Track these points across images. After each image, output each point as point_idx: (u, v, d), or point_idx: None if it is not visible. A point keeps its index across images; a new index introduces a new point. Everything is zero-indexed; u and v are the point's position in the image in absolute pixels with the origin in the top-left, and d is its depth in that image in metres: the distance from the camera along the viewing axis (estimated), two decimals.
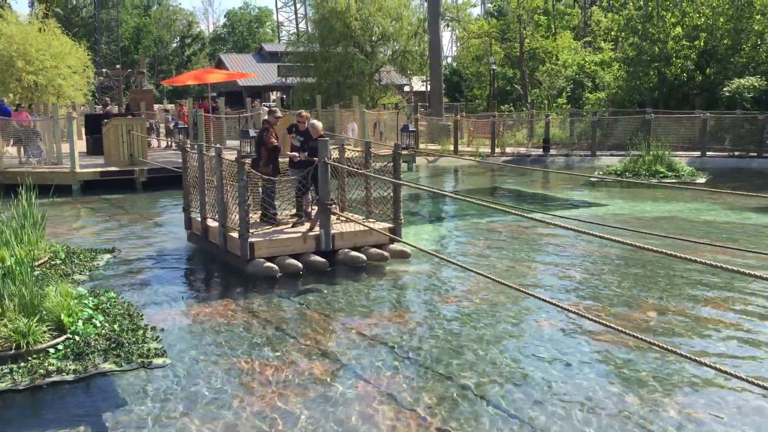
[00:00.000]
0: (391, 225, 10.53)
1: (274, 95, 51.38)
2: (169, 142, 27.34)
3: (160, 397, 5.77)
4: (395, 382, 6.04)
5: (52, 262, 9.97)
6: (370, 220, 10.84)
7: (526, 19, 43.17)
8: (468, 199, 9.47)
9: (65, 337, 6.65)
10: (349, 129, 26.11)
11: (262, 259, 9.45)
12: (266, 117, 11.12)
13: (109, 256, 10.88)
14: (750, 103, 26.22)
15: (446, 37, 67.39)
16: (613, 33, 36.84)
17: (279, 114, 11.01)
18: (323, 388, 5.94)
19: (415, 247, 9.71)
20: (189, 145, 11.94)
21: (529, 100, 39.72)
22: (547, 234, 12.49)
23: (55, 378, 6.05)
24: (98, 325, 7.08)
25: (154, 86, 64.61)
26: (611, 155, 25.39)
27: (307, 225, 10.35)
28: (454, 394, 5.77)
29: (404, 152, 10.66)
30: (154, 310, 8.08)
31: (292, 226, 10.46)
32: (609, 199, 17.06)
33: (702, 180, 19.43)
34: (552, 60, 41.66)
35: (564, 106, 36.97)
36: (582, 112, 31.90)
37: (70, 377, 6.08)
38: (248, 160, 9.78)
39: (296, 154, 10.54)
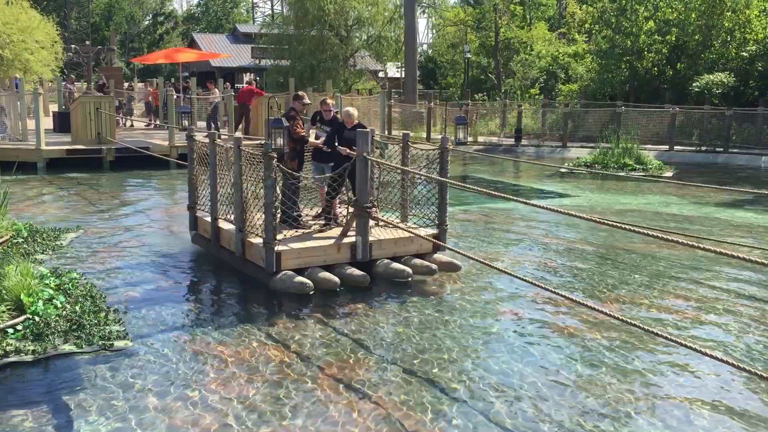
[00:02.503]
0: (435, 231, 9.01)
1: (247, 77, 50.82)
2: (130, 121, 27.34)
3: (119, 379, 5.71)
4: None
5: (14, 241, 9.77)
6: (411, 225, 9.24)
7: (502, 9, 43.20)
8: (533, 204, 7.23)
9: (24, 317, 6.54)
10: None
11: (290, 272, 7.95)
12: (292, 104, 9.61)
13: (73, 235, 10.70)
14: (718, 99, 26.61)
15: (422, 23, 67.18)
16: (587, 25, 37.10)
17: (306, 100, 9.50)
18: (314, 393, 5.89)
19: (467, 256, 7.99)
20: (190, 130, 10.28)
21: (502, 90, 39.87)
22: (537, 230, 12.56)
23: (13, 358, 5.95)
24: (59, 306, 6.97)
25: (124, 64, 63.49)
26: (581, 147, 25.61)
27: (336, 230, 8.87)
28: None
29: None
30: (119, 292, 7.98)
31: (320, 231, 8.93)
32: (578, 190, 17.23)
33: (669, 174, 19.71)
34: (526, 50, 41.80)
35: (537, 96, 37.16)
36: (554, 103, 32.11)
37: (28, 358, 5.99)
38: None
39: (320, 143, 9.25)
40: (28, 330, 6.40)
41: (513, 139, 28.23)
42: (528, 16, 47.34)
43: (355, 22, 42.53)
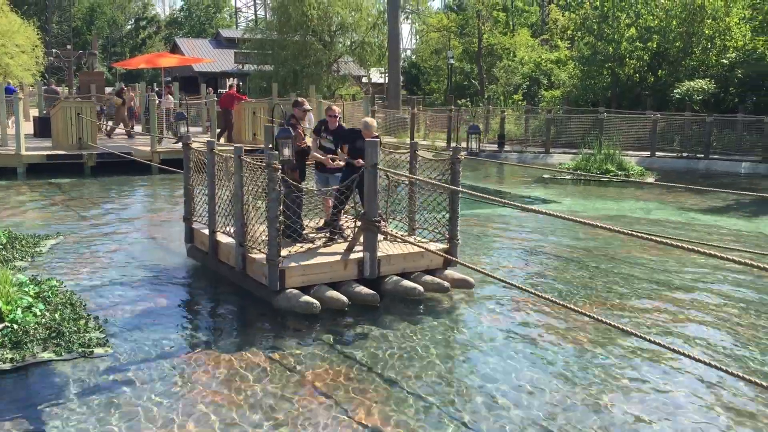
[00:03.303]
0: (445, 245, 8.58)
1: (230, 82, 50.65)
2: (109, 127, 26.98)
3: (99, 386, 5.63)
4: None
5: None
6: (418, 239, 8.76)
7: (485, 15, 43.40)
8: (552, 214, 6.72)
9: (3, 325, 6.43)
10: (306, 119, 25.87)
11: (296, 291, 7.53)
12: (293, 110, 8.97)
13: (54, 242, 10.57)
14: (699, 105, 26.86)
15: (405, 29, 67.33)
16: (569, 32, 37.34)
17: (307, 107, 8.94)
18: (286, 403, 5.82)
19: (482, 272, 7.66)
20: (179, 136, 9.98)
21: (485, 96, 40.01)
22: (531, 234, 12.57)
23: None
24: (38, 313, 6.87)
25: (106, 69, 63.04)
26: (564, 153, 25.73)
27: (341, 244, 8.38)
28: None
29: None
30: (100, 300, 7.88)
31: (324, 246, 8.42)
32: (561, 196, 17.30)
33: (651, 180, 19.85)
34: (509, 56, 42.00)
35: (520, 102, 37.32)
36: (537, 109, 32.25)
37: (7, 366, 5.89)
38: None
39: (327, 157, 8.66)
40: (6, 338, 6.29)
41: (496, 145, 28.31)
42: (511, 23, 47.60)
43: (339, 27, 42.58)
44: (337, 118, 8.84)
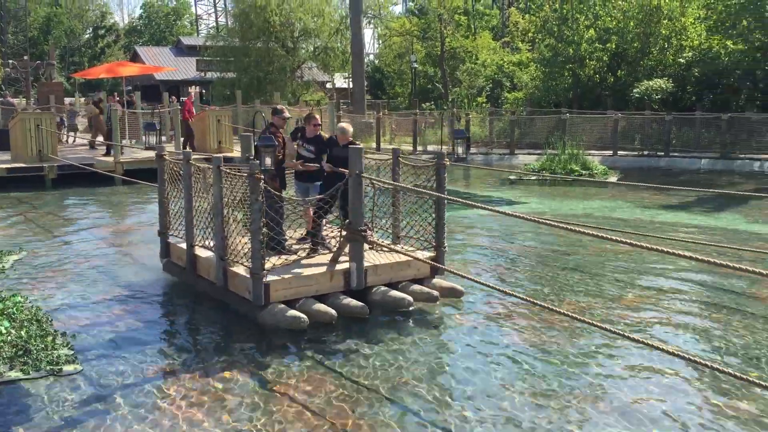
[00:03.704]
0: (432, 253, 8.34)
1: (192, 90, 50.18)
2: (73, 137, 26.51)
3: (69, 404, 5.52)
4: None
5: None
6: (405, 248, 8.49)
7: (447, 19, 43.69)
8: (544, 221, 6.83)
9: None
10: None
11: (281, 305, 7.24)
12: (271, 118, 8.74)
13: (16, 257, 10.34)
14: (658, 104, 27.39)
15: (368, 34, 67.46)
16: (530, 34, 37.80)
17: (287, 114, 8.68)
18: None
19: (471, 279, 7.63)
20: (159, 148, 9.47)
21: (450, 99, 40.27)
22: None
23: None
24: (3, 331, 6.71)
25: (64, 79, 61.95)
26: (529, 153, 26.01)
27: (325, 255, 8.08)
28: None
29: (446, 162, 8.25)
30: (67, 316, 7.72)
31: (307, 257, 8.15)
32: (527, 197, 17.48)
33: (614, 178, 20.16)
34: (472, 59, 42.34)
35: (484, 104, 37.65)
36: (501, 111, 32.57)
37: None
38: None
39: (304, 165, 8.40)
40: None
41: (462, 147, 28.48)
42: (472, 26, 48.00)
43: (302, 33, 42.50)
44: (318, 127, 8.59)
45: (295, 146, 8.63)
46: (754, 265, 8.72)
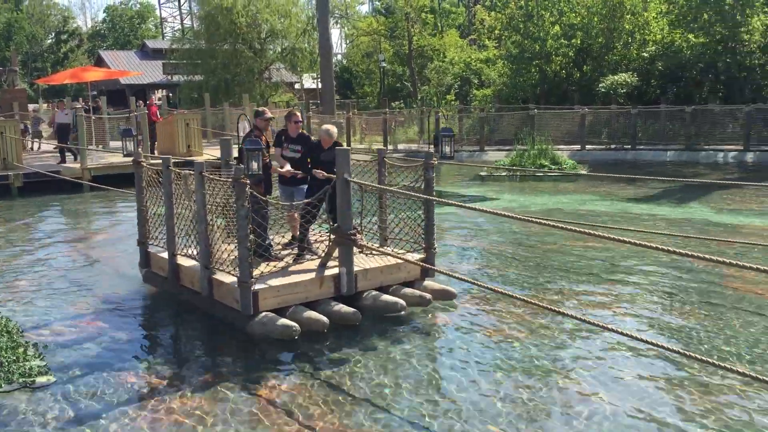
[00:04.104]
0: (422, 255, 8.12)
1: (159, 93, 49.67)
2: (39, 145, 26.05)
3: (42, 416, 5.45)
4: None
5: None
6: (395, 250, 8.28)
7: (414, 17, 43.81)
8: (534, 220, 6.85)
9: None
10: (240, 128, 25.57)
11: (271, 314, 6.98)
12: (255, 122, 8.41)
13: None
14: (623, 98, 27.79)
15: (336, 34, 67.39)
16: (496, 31, 38.03)
17: (269, 115, 8.40)
18: None
19: (463, 280, 7.48)
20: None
21: (419, 97, 40.39)
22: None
23: None
24: None
25: (28, 85, 60.88)
26: (498, 150, 26.21)
27: (312, 261, 7.86)
28: None
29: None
30: (40, 328, 7.58)
31: (294, 263, 7.89)
32: (498, 193, 17.62)
33: (583, 172, 20.41)
34: (440, 57, 42.51)
35: (453, 102, 37.82)
36: (470, 109, 32.76)
37: None
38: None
39: (290, 170, 8.06)
40: None
41: (432, 145, 28.60)
42: (439, 24, 48.19)
43: (269, 34, 42.28)
44: (300, 125, 8.35)
45: (280, 152, 8.30)
46: (723, 256, 8.91)
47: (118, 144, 23.44)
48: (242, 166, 7.16)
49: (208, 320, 7.62)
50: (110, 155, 20.21)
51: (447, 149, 8.73)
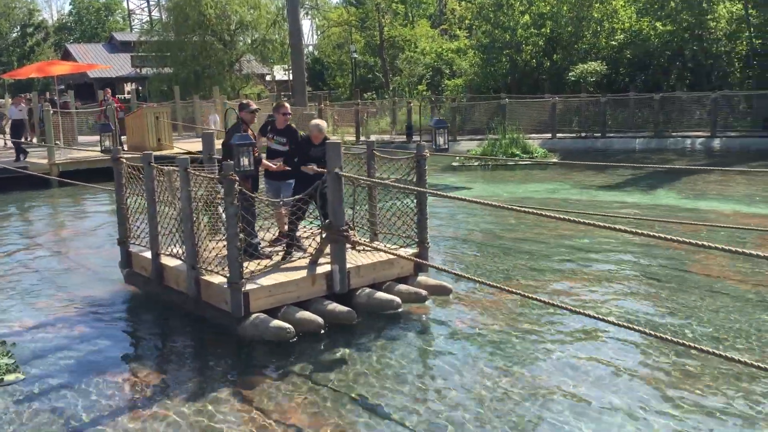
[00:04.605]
0: (415, 250, 7.88)
1: (128, 86, 49.02)
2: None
3: (10, 414, 5.40)
4: None
5: None
6: (387, 245, 8.00)
7: (384, 8, 43.71)
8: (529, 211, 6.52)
9: None
10: (211, 121, 25.40)
11: (263, 315, 6.70)
12: (240, 114, 7.95)
13: None
14: (593, 86, 28.05)
15: (306, 25, 67.02)
16: (467, 21, 38.13)
17: (254, 107, 7.99)
18: None
19: (458, 274, 7.36)
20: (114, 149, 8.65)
21: (391, 88, 40.36)
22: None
23: None
24: None
25: None
26: (470, 139, 26.31)
27: (303, 257, 7.55)
28: None
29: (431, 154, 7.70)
30: (10, 326, 7.47)
31: (283, 260, 7.57)
32: (471, 182, 17.72)
33: (554, 161, 20.61)
34: (411, 48, 42.51)
35: (424, 93, 37.88)
36: (442, 99, 32.83)
37: None
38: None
39: (281, 165, 7.77)
40: None
41: (405, 136, 28.64)
42: (410, 14, 48.12)
43: (238, 26, 41.91)
44: (288, 117, 8.03)
45: (264, 141, 8.10)
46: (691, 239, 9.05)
47: (85, 138, 23.19)
48: (230, 161, 6.78)
49: (196, 322, 7.35)
50: (77, 151, 19.90)
51: (441, 141, 8.53)
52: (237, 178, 6.54)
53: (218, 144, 8.40)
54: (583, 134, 25.70)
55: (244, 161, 6.95)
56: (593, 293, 8.02)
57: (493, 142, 22.06)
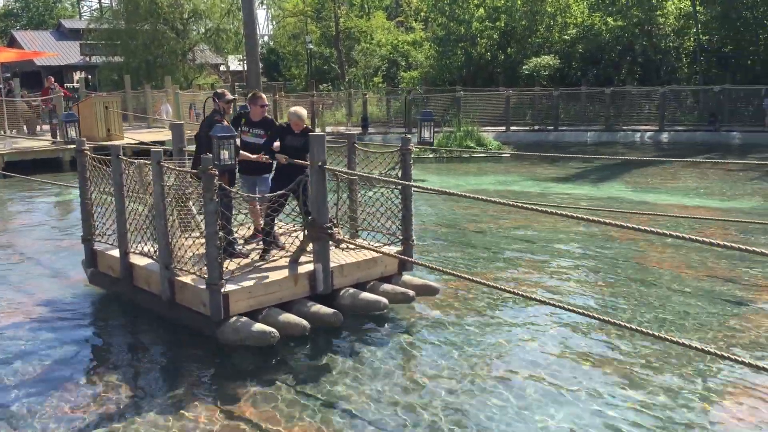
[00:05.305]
0: (399, 248, 7.51)
1: (77, 75, 47.82)
2: None
3: None
4: None
5: None
6: (371, 243, 7.64)
7: None
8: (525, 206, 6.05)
9: None
10: (163, 111, 25.00)
11: (245, 318, 6.28)
12: (214, 104, 7.50)
13: None
14: (546, 80, 28.46)
15: (261, 15, 66.34)
16: (423, 13, 38.24)
17: (229, 97, 7.55)
18: None
19: (446, 272, 6.96)
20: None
21: (346, 80, 40.25)
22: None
23: None
24: None
25: None
26: None
27: (283, 256, 7.13)
28: None
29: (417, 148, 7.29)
30: None
31: (261, 259, 7.10)
32: (425, 174, 17.79)
33: (508, 153, 20.85)
34: (367, 39, 42.43)
35: (380, 85, 37.88)
36: (398, 91, 32.90)
37: None
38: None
39: (262, 157, 7.28)
40: None
41: (360, 128, 28.62)
42: (366, 6, 48.00)
43: (192, 15, 41.24)
44: (266, 108, 7.50)
45: (240, 134, 7.48)
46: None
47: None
48: (209, 155, 6.29)
49: (169, 325, 6.87)
50: (23, 141, 19.36)
51: (426, 134, 8.26)
52: (216, 173, 6.15)
53: (161, 136, 8.00)
54: (536, 127, 26.07)
55: (225, 155, 6.53)
56: (548, 281, 8.16)
57: (447, 135, 22.21)
